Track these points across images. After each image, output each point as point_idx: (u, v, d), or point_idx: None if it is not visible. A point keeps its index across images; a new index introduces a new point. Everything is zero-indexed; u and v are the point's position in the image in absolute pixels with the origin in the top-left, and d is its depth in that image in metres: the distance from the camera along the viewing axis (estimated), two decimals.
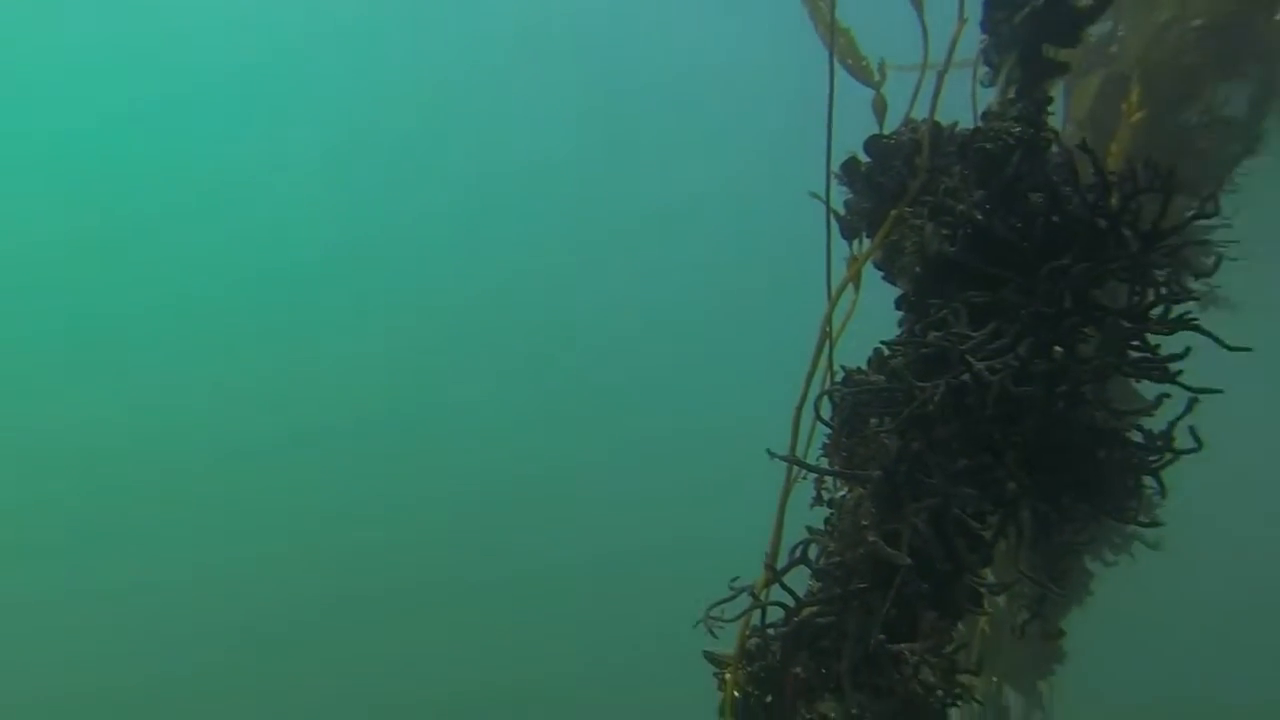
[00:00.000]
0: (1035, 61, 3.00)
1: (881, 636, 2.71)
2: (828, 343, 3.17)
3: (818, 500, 2.89)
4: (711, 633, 3.09)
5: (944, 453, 2.63)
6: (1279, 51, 6.21)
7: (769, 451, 2.81)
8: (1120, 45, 6.44)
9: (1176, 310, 2.44)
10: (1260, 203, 5.95)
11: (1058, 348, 2.46)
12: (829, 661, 3.03)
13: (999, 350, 2.39)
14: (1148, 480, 2.77)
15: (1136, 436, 2.75)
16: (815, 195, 3.21)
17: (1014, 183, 2.59)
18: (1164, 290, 2.39)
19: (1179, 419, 2.61)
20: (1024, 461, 2.48)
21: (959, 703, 2.71)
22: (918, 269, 2.75)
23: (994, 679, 6.09)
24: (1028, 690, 6.55)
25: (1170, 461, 2.74)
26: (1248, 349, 2.30)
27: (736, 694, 3.26)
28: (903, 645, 2.70)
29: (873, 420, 2.81)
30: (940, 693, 2.63)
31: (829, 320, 2.91)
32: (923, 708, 2.82)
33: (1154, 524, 3.11)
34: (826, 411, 3.05)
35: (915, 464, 2.64)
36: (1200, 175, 6.10)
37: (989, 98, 3.09)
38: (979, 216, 2.60)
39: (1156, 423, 2.81)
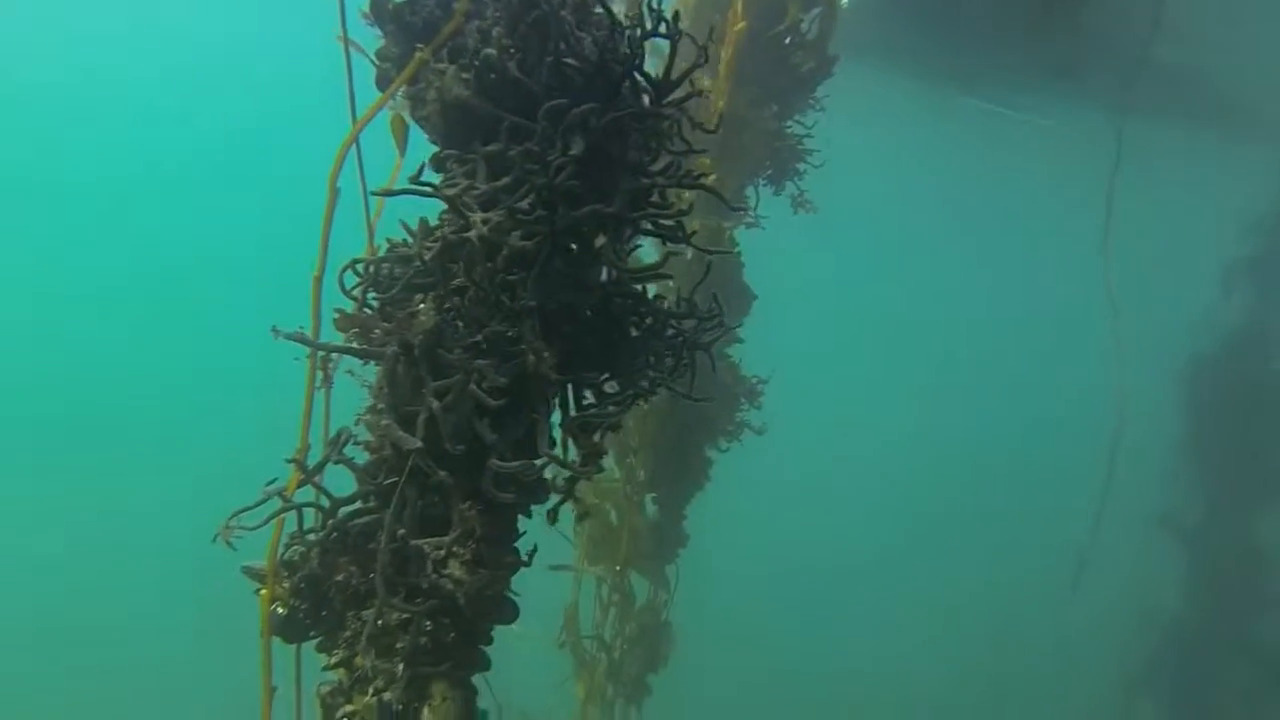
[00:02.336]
0: None
1: (402, 531, 2.44)
2: (368, 212, 2.79)
3: (325, 382, 2.51)
4: (228, 544, 2.64)
5: (467, 324, 2.38)
6: None
7: (273, 330, 2.37)
8: None
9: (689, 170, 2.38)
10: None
11: (582, 202, 2.29)
12: (373, 564, 2.73)
13: (504, 202, 2.14)
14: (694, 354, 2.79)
15: (682, 310, 2.74)
16: (343, 39, 2.74)
17: (535, 24, 2.33)
18: (673, 144, 2.29)
19: (695, 286, 2.61)
20: (543, 330, 2.30)
21: (485, 594, 2.53)
22: (439, 119, 2.42)
23: (617, 566, 6.33)
24: (654, 575, 6.95)
25: (701, 331, 2.76)
26: (744, 208, 2.29)
27: (281, 610, 2.86)
28: (426, 540, 2.46)
29: (396, 293, 2.48)
30: (464, 588, 2.43)
31: (333, 180, 2.49)
32: (473, 603, 2.64)
33: (707, 399, 3.17)
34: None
35: (435, 338, 2.37)
36: (792, 86, 6.59)
37: None
38: (498, 58, 2.32)
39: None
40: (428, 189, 2.09)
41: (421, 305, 2.50)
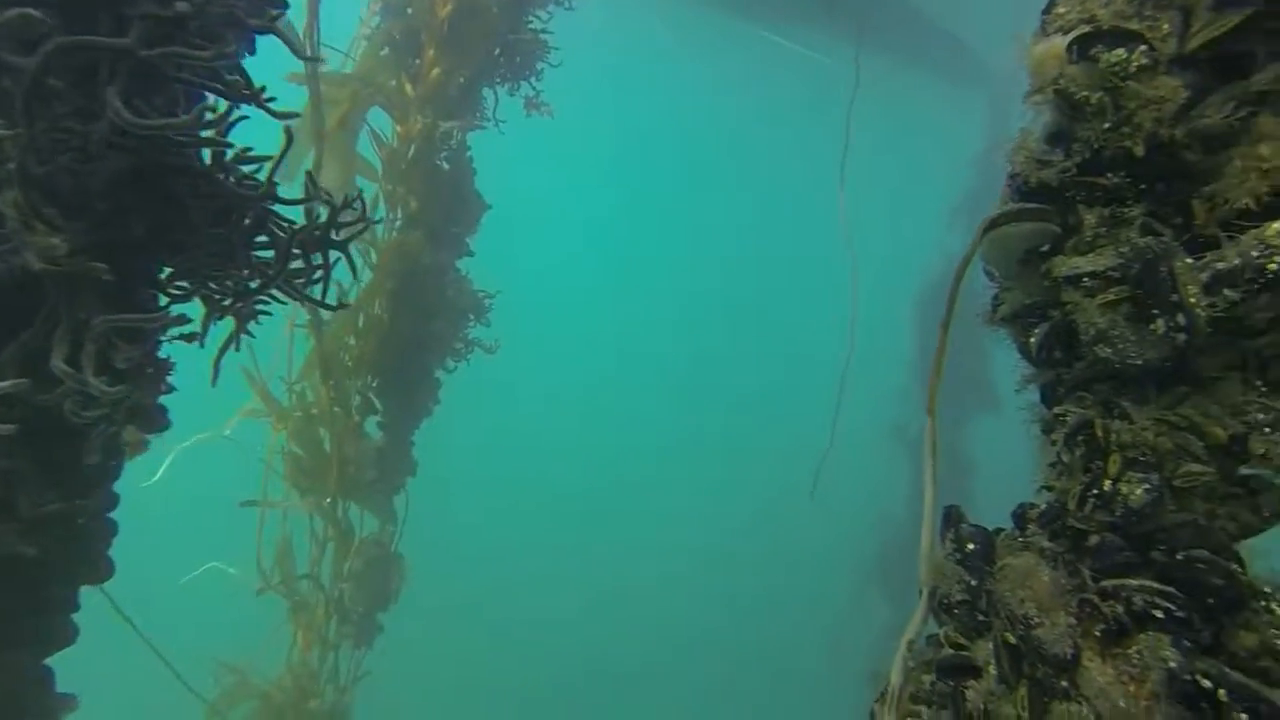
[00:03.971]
0: None
1: None
2: None
3: None
4: None
5: None
6: None
7: None
8: None
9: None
10: None
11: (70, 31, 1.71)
12: None
13: None
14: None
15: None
16: None
17: None
18: None
19: (280, 157, 2.10)
20: (58, 205, 1.73)
21: None
22: None
23: (327, 499, 5.78)
24: (380, 508, 6.46)
25: (332, 225, 2.28)
26: (318, 58, 1.81)
27: None
28: None
29: None
30: None
31: None
32: None
33: (339, 307, 2.71)
34: None
35: None
36: None
37: None
38: None
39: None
40: None
41: None
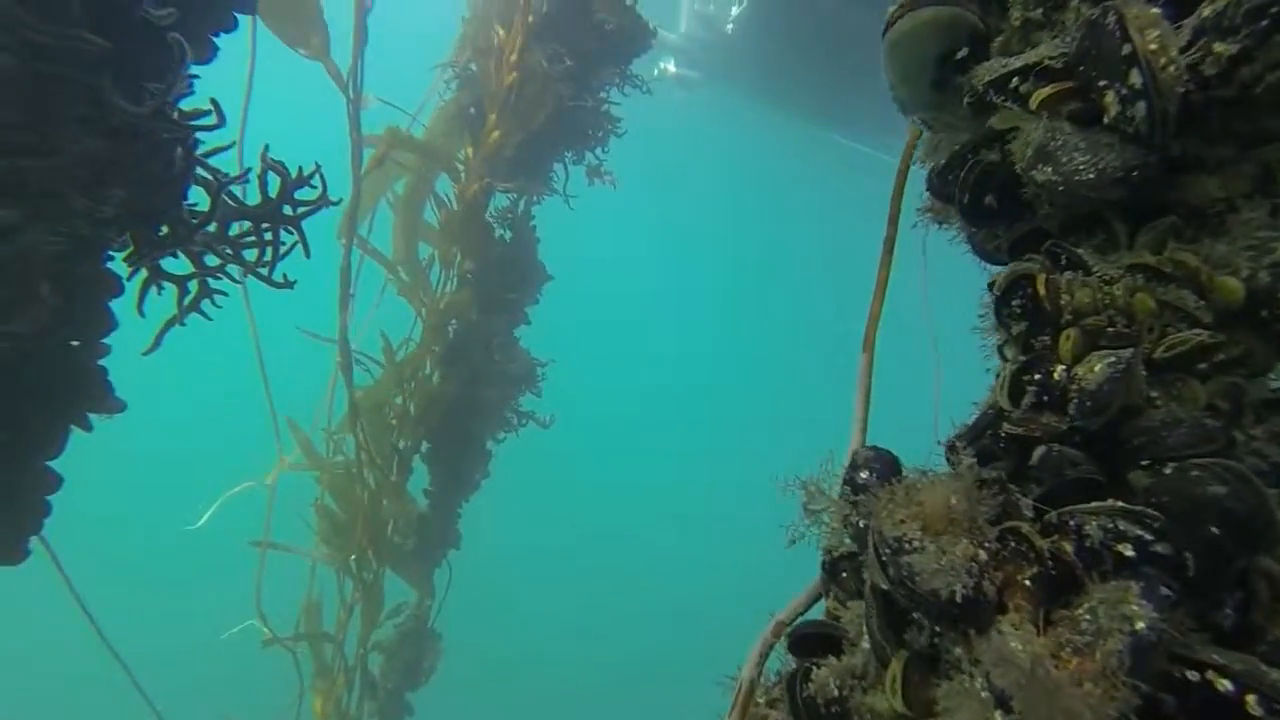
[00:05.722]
0: None
1: None
2: None
3: None
4: None
5: None
6: None
7: None
8: None
9: None
10: None
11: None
12: None
13: None
14: None
15: None
16: None
17: None
18: None
19: None
20: None
21: None
22: None
23: (353, 556, 5.48)
24: (420, 580, 6.15)
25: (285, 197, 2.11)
26: None
27: None
28: None
29: None
30: None
31: None
32: None
33: (276, 284, 2.51)
34: None
35: None
36: (596, 47, 6.10)
37: None
38: None
39: None
40: None
41: None
